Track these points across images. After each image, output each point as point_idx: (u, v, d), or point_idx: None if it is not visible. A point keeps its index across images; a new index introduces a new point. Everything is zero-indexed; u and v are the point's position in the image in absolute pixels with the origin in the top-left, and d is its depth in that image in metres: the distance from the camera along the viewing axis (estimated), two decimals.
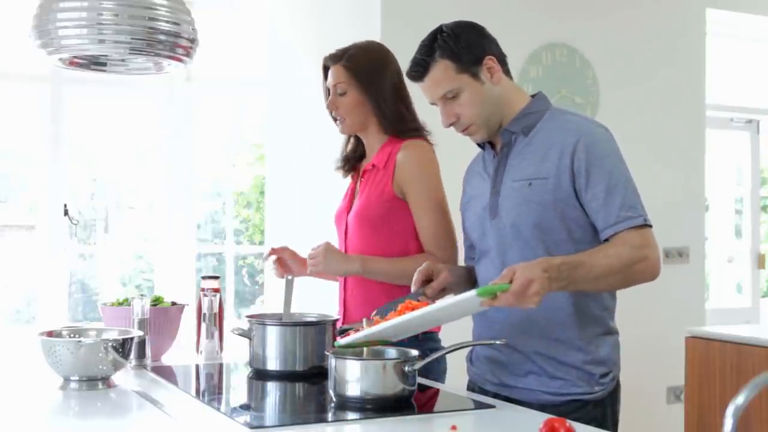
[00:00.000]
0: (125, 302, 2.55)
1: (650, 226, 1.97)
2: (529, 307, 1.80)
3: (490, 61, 2.06)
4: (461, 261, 2.36)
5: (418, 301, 2.06)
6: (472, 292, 1.78)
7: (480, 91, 2.06)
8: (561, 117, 2.10)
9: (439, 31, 2.08)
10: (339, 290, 2.55)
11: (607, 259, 1.90)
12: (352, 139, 2.61)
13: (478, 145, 2.19)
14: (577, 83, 4.21)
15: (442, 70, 2.04)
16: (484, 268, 2.14)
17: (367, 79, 2.48)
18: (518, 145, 2.08)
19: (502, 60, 2.10)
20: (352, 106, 2.50)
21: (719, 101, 5.02)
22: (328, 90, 2.54)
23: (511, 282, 1.78)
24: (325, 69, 2.56)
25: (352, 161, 2.62)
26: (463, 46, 2.04)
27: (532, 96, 2.15)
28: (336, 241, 2.57)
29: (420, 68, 2.07)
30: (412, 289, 2.12)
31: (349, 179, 2.65)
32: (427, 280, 2.12)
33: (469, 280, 2.22)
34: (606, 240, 1.97)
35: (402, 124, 2.50)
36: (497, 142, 2.13)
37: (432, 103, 2.11)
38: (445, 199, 2.47)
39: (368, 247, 2.45)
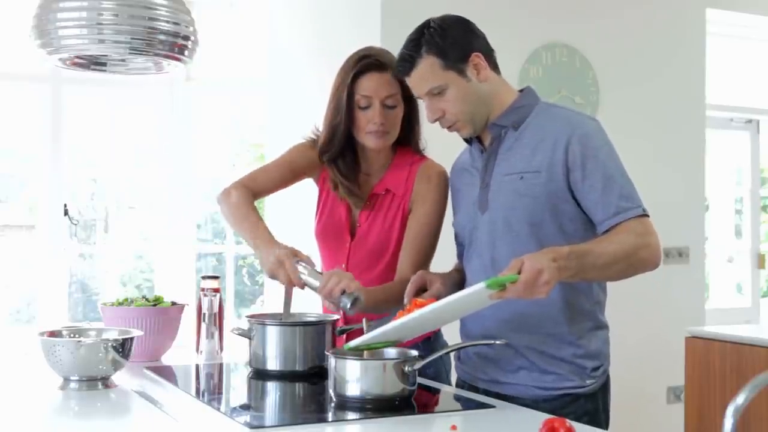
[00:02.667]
0: (125, 302, 2.55)
1: (648, 216, 1.98)
2: (539, 297, 1.79)
3: (476, 58, 2.06)
4: (449, 261, 2.33)
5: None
6: (481, 285, 1.76)
7: (466, 88, 2.05)
8: (551, 110, 2.11)
9: (426, 25, 2.07)
10: None
11: (613, 246, 1.91)
12: (348, 155, 2.40)
13: (465, 140, 2.19)
14: (577, 83, 4.21)
15: (428, 66, 2.04)
16: (473, 263, 2.13)
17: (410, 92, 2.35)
18: (508, 140, 2.09)
19: (489, 56, 2.10)
20: (398, 121, 2.37)
21: (719, 101, 5.02)
22: (349, 96, 2.31)
23: (519, 273, 1.77)
24: (356, 75, 2.31)
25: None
26: (450, 42, 2.04)
27: (520, 91, 2.15)
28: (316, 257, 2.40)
29: (406, 63, 2.07)
30: (405, 299, 2.09)
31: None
32: (420, 290, 2.11)
33: (462, 287, 2.18)
34: (605, 231, 1.97)
35: (417, 142, 2.44)
36: (485, 136, 2.13)
37: (418, 98, 2.12)
38: (440, 226, 2.38)
39: (374, 270, 2.37)
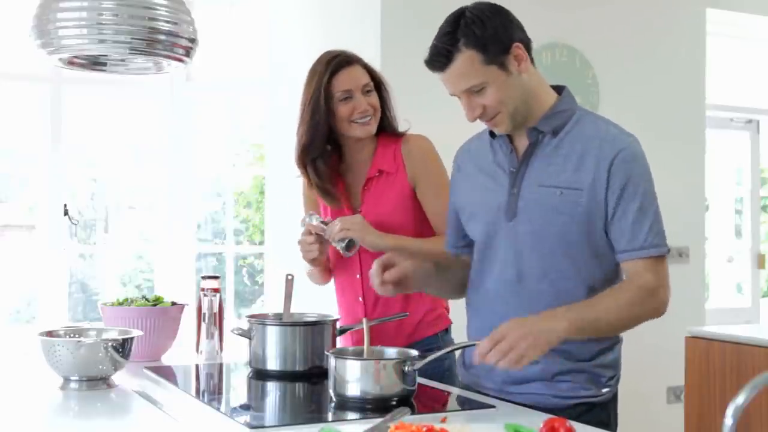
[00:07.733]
0: (125, 302, 2.55)
1: (667, 254, 1.97)
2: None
3: (517, 49, 1.90)
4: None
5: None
6: None
7: (508, 83, 1.90)
8: (593, 122, 1.98)
9: (461, 14, 1.90)
10: (356, 290, 2.49)
11: (624, 311, 1.93)
12: (326, 155, 2.49)
13: (490, 134, 2.05)
14: (577, 83, 4.20)
15: (467, 61, 1.87)
16: (495, 270, 2.01)
17: (381, 79, 2.50)
18: (546, 146, 1.96)
19: (528, 47, 1.95)
20: (378, 103, 2.47)
21: (719, 101, 5.02)
22: (327, 97, 2.40)
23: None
24: (331, 74, 2.40)
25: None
26: (491, 33, 1.87)
27: (557, 90, 2.02)
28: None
29: (442, 58, 1.88)
30: (375, 281, 2.01)
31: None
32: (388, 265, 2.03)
33: (438, 276, 2.11)
34: (623, 258, 1.94)
35: (393, 126, 2.51)
36: (518, 137, 1.99)
37: (452, 95, 1.96)
38: (448, 184, 2.38)
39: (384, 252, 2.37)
